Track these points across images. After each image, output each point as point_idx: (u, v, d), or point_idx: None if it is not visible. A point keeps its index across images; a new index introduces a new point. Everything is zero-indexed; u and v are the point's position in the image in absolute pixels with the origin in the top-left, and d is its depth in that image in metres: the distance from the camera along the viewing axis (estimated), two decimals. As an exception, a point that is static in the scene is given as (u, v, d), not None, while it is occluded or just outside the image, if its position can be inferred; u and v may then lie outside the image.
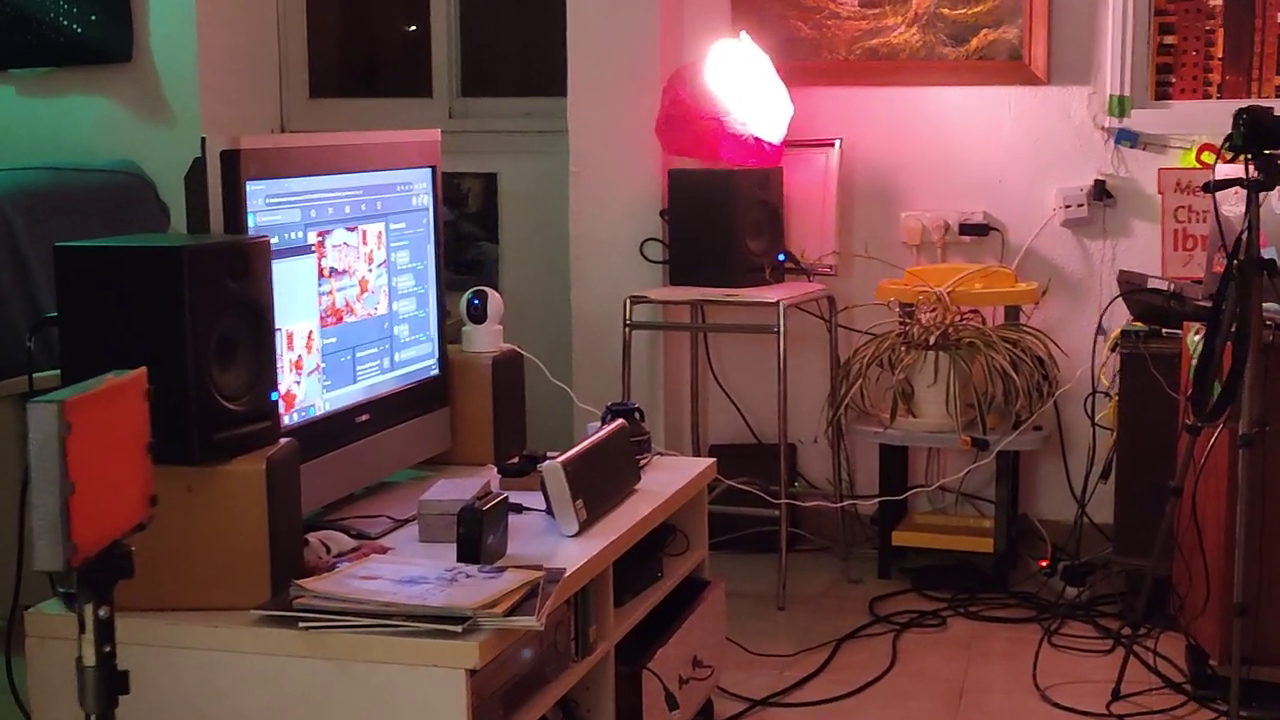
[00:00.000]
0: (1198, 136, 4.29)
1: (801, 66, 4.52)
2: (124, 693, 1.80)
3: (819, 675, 3.64)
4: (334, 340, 2.79)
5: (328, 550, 2.51)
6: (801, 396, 4.53)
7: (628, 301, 4.29)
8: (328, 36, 5.23)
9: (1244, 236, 3.14)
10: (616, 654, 2.77)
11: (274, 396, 2.43)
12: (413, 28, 5.19)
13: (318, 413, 2.73)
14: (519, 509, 2.77)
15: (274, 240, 2.51)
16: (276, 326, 2.48)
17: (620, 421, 3.06)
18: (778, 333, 4.13)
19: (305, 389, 2.69)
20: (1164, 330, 3.84)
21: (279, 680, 2.24)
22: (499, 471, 3.05)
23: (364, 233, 2.89)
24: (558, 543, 2.66)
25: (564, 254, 4.60)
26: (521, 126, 4.95)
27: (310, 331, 2.70)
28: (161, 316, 2.25)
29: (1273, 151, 3.12)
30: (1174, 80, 4.39)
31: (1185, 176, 4.25)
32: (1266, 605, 3.26)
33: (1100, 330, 4.17)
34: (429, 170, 3.13)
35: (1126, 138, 4.37)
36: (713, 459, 3.41)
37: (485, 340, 3.23)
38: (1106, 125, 4.39)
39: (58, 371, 2.29)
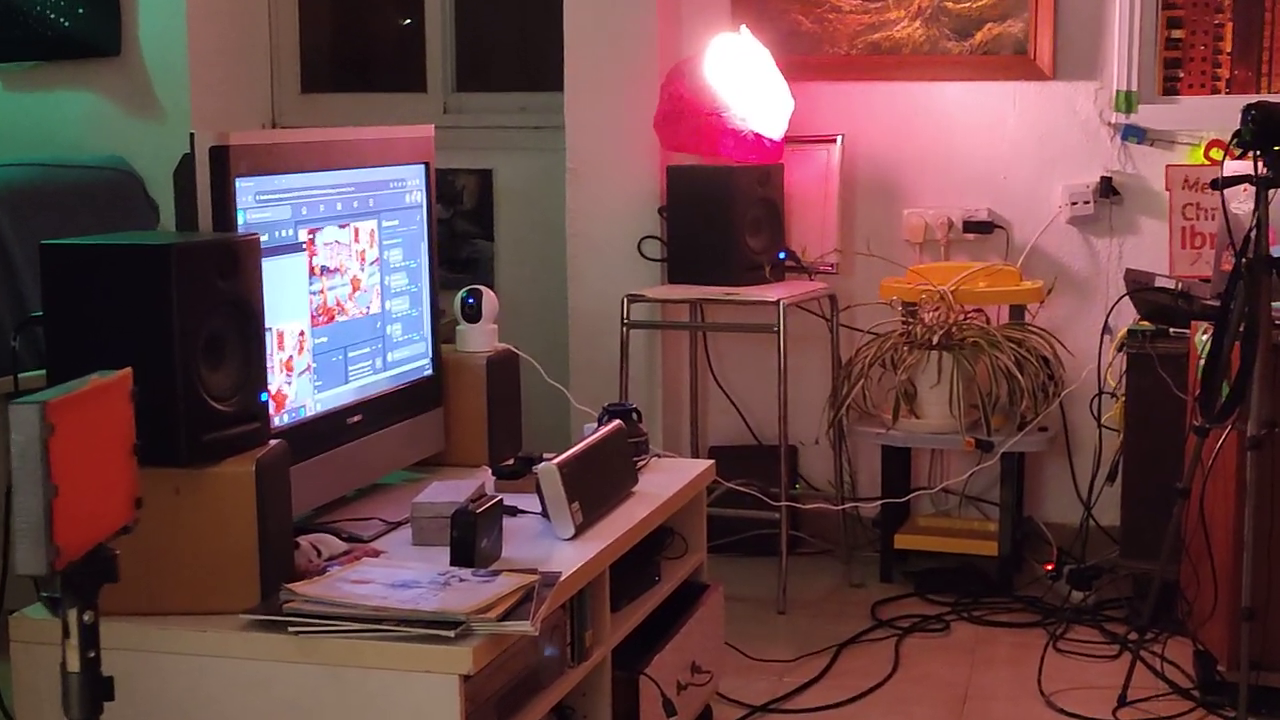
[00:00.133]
0: (1206, 132, 4.29)
1: (803, 61, 4.52)
2: (109, 699, 1.80)
3: (820, 681, 3.63)
4: (325, 340, 2.79)
5: (319, 553, 2.51)
6: (802, 397, 4.53)
7: (625, 300, 4.29)
8: (320, 30, 5.22)
9: (1253, 234, 3.14)
10: (613, 659, 2.76)
11: (264, 397, 2.43)
12: (407, 21, 5.19)
13: (309, 413, 2.73)
14: (514, 512, 2.77)
15: (264, 238, 2.51)
16: (266, 326, 2.48)
17: (617, 422, 3.05)
18: (778, 332, 4.12)
19: (296, 389, 2.69)
20: (1171, 330, 3.84)
21: (269, 686, 2.24)
22: (494, 473, 3.05)
23: (356, 230, 2.88)
24: (553, 546, 2.66)
25: (560, 252, 4.60)
26: (517, 122, 4.94)
27: (301, 331, 2.70)
28: (149, 316, 2.24)
29: (1282, 147, 3.12)
30: (1182, 75, 4.39)
31: (1193, 173, 4.24)
32: (1275, 610, 3.26)
33: (1106, 330, 4.17)
34: (422, 166, 3.12)
35: (1133, 134, 4.37)
36: (712, 460, 3.41)
37: (480, 340, 3.23)
38: (1113, 121, 4.39)
39: (44, 371, 2.28)
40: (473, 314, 3.23)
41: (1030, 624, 3.99)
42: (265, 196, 2.59)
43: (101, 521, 1.77)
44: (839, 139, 4.54)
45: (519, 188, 4.91)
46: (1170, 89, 4.40)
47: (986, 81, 4.47)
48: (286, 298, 2.65)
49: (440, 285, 3.22)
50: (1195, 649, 3.52)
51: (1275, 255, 3.15)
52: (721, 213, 4.31)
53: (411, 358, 3.11)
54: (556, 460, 2.72)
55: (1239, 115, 3.15)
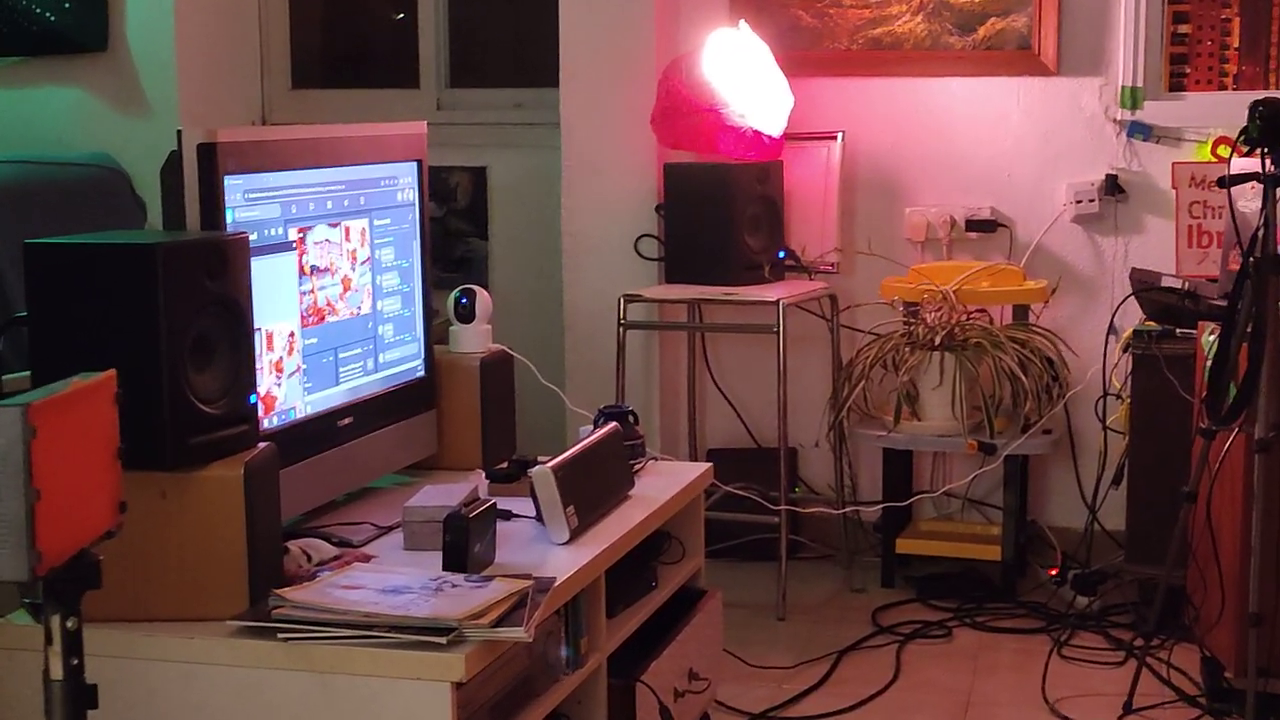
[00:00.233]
0: (1213, 129, 4.29)
1: (802, 56, 4.52)
2: (92, 707, 1.80)
3: (820, 688, 3.63)
4: (315, 341, 2.78)
5: (308, 559, 2.51)
6: (802, 399, 4.52)
7: (622, 300, 4.29)
8: (311, 25, 5.22)
9: (1260, 233, 3.14)
10: (609, 666, 2.76)
11: (252, 399, 2.42)
12: (400, 16, 5.19)
13: (298, 416, 2.73)
14: (507, 516, 2.76)
15: (253, 237, 2.51)
16: (255, 327, 2.47)
17: (614, 425, 3.05)
18: (778, 333, 4.12)
19: (285, 391, 2.68)
20: (1178, 330, 3.84)
21: (257, 693, 2.24)
22: (487, 477, 3.05)
23: (347, 229, 2.88)
24: (548, 551, 2.65)
25: (556, 251, 4.60)
26: (512, 118, 4.94)
27: (291, 332, 2.70)
28: (136, 316, 2.24)
29: (1290, 145, 3.12)
30: (1189, 71, 4.39)
31: (1200, 170, 4.24)
32: (1284, 615, 3.26)
33: (1112, 330, 4.17)
34: (415, 164, 3.12)
35: (1139, 130, 4.37)
36: (710, 464, 3.40)
37: (473, 340, 3.23)
38: (1119, 117, 4.39)
39: (29, 373, 2.28)
40: (466, 314, 3.22)
41: (1034, 630, 3.99)
42: (254, 194, 2.58)
43: (85, 526, 1.76)
44: (839, 136, 4.54)
45: (513, 185, 4.91)
46: (1177, 85, 4.40)
47: (989, 77, 4.47)
48: (276, 298, 2.64)
49: (433, 285, 3.21)
50: (1202, 655, 3.51)
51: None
52: (720, 211, 4.31)
53: (403, 359, 3.10)
54: (551, 463, 2.72)
55: (1246, 111, 3.14)
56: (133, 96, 4.63)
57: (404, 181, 3.09)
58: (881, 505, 4.36)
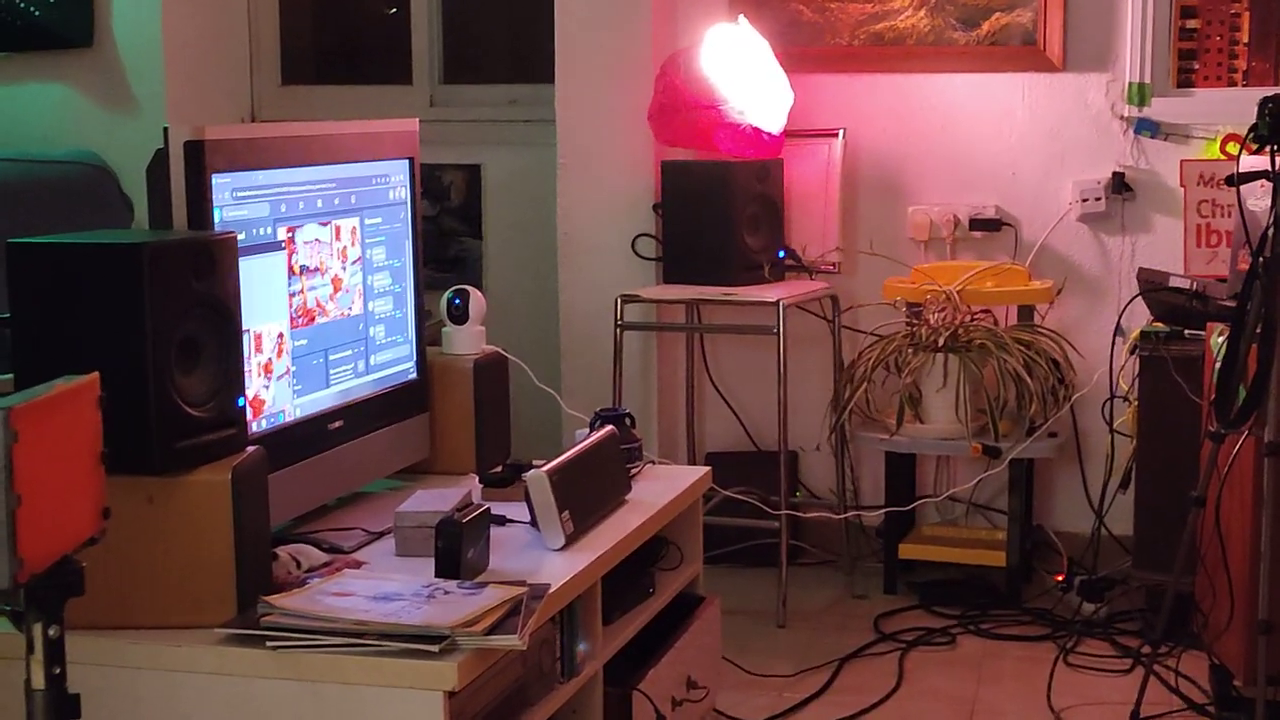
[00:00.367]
0: (1222, 126, 4.29)
1: (803, 52, 4.52)
2: (75, 717, 1.80)
3: (821, 696, 3.63)
4: (305, 342, 2.78)
5: (298, 565, 2.51)
6: (803, 401, 4.52)
7: (619, 300, 4.28)
8: (301, 19, 5.22)
9: (1270, 232, 3.13)
10: (605, 675, 2.76)
11: (241, 402, 2.42)
12: (392, 10, 5.19)
13: (288, 419, 2.73)
14: (501, 521, 2.76)
15: (241, 236, 2.51)
16: (244, 328, 2.47)
17: (610, 428, 3.05)
18: (778, 334, 4.12)
19: (274, 394, 2.68)
20: (1186, 331, 3.84)
21: (246, 703, 2.23)
22: (481, 481, 3.04)
23: (337, 228, 2.88)
24: (542, 557, 2.65)
25: (551, 250, 4.60)
26: (506, 115, 4.94)
27: (280, 333, 2.70)
28: (121, 318, 2.24)
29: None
30: (1197, 67, 4.39)
31: (1209, 169, 4.24)
32: (1294, 622, 3.26)
33: (1119, 331, 4.17)
34: (407, 162, 3.12)
35: (1147, 127, 4.37)
36: (708, 467, 3.40)
37: (467, 342, 3.23)
38: (1125, 114, 4.39)
39: (11, 376, 2.28)
40: (459, 315, 3.22)
41: (1040, 637, 3.99)
42: (243, 193, 2.59)
43: (67, 533, 1.76)
44: (841, 133, 4.54)
45: (508, 183, 4.90)
46: (1185, 81, 4.40)
47: (994, 73, 4.47)
48: (265, 298, 2.64)
49: (426, 285, 3.21)
50: (1211, 663, 3.51)
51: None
52: (719, 210, 4.30)
53: (395, 361, 3.10)
54: (546, 467, 2.72)
55: (1256, 108, 3.14)
56: (119, 93, 4.62)
57: (396, 179, 3.09)
58: (884, 510, 4.36)
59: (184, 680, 2.25)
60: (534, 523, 2.72)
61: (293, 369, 2.74)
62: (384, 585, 2.37)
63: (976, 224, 4.50)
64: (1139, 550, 3.98)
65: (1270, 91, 3.20)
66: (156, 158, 2.47)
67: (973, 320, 4.24)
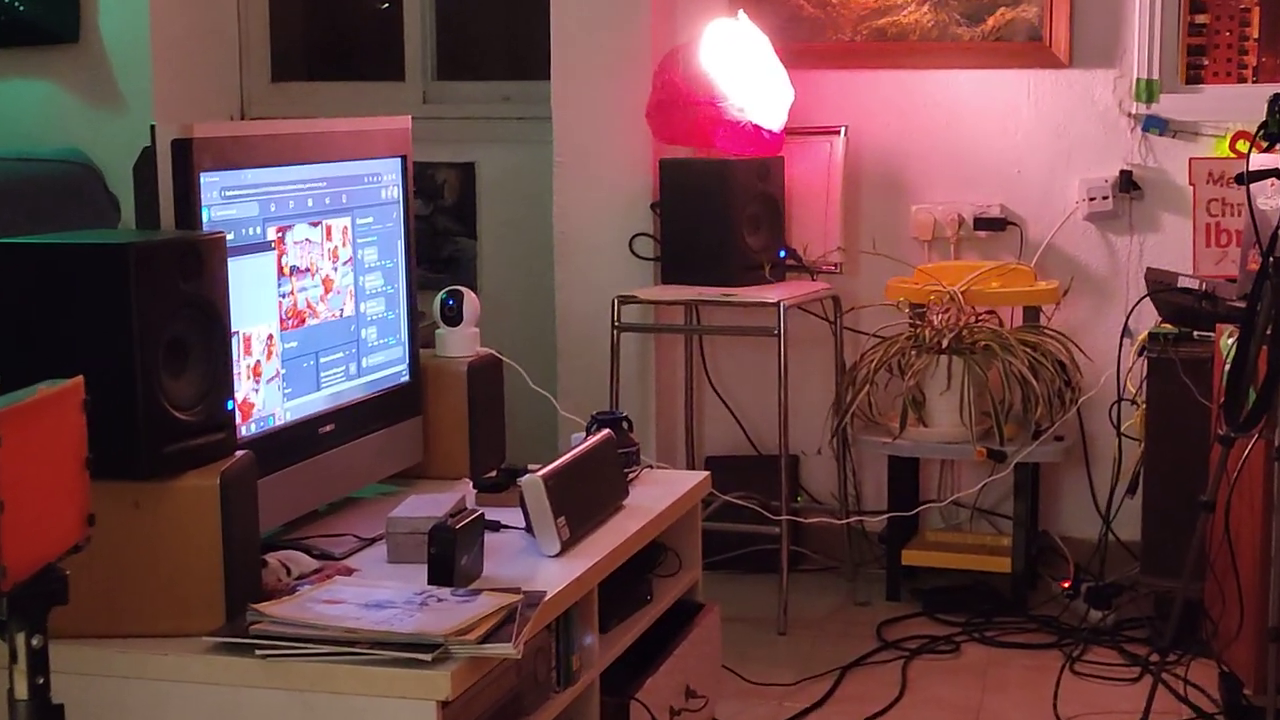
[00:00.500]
0: (1231, 124, 4.29)
1: (804, 48, 4.52)
2: (60, 727, 1.80)
3: (822, 706, 3.63)
4: (295, 344, 2.78)
5: (288, 572, 2.51)
6: (804, 404, 4.52)
7: (616, 301, 4.28)
8: (292, 15, 5.22)
9: (1280, 231, 3.14)
10: (602, 684, 2.76)
11: (230, 405, 2.42)
12: (384, 5, 5.18)
13: (277, 423, 2.73)
14: (496, 527, 2.76)
15: (230, 236, 2.50)
16: (233, 330, 2.47)
17: (607, 432, 3.05)
18: (778, 335, 4.12)
19: (264, 397, 2.68)
20: (1195, 333, 3.84)
21: (234, 713, 2.23)
22: (475, 486, 3.04)
23: (328, 228, 2.88)
24: (538, 563, 2.65)
25: (547, 250, 4.60)
26: (501, 112, 4.94)
27: (269, 335, 2.70)
28: (107, 320, 2.24)
29: (1312, 140, 3.12)
30: (1206, 63, 4.39)
31: (1218, 167, 4.24)
32: (1305, 630, 3.25)
33: (1126, 333, 4.17)
34: (399, 160, 3.12)
35: (1155, 125, 4.37)
36: (708, 472, 3.40)
37: (461, 344, 3.23)
38: (1133, 111, 4.39)
39: (-5, 379, 2.28)
40: (453, 316, 3.22)
41: (1046, 645, 3.99)
42: (232, 192, 2.58)
43: (51, 540, 1.76)
44: (842, 131, 4.54)
45: (503, 182, 4.90)
46: (1194, 77, 4.40)
47: (999, 69, 4.47)
48: (254, 300, 2.64)
49: (419, 286, 3.21)
50: (1220, 671, 3.51)
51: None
52: (718, 209, 4.30)
53: (387, 363, 3.10)
54: (542, 472, 2.72)
55: (1266, 105, 3.14)
56: (106, 90, 4.62)
57: (388, 178, 3.09)
58: (886, 515, 4.36)
59: (171, 690, 2.25)
60: (529, 528, 2.71)
61: (283, 372, 2.74)
62: (376, 593, 2.37)
63: (981, 223, 4.50)
64: (1147, 556, 3.98)
65: (1281, 88, 3.20)
66: (143, 156, 2.48)
67: (977, 321, 4.24)
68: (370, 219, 3.03)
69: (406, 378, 3.15)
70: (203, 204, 2.50)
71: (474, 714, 2.32)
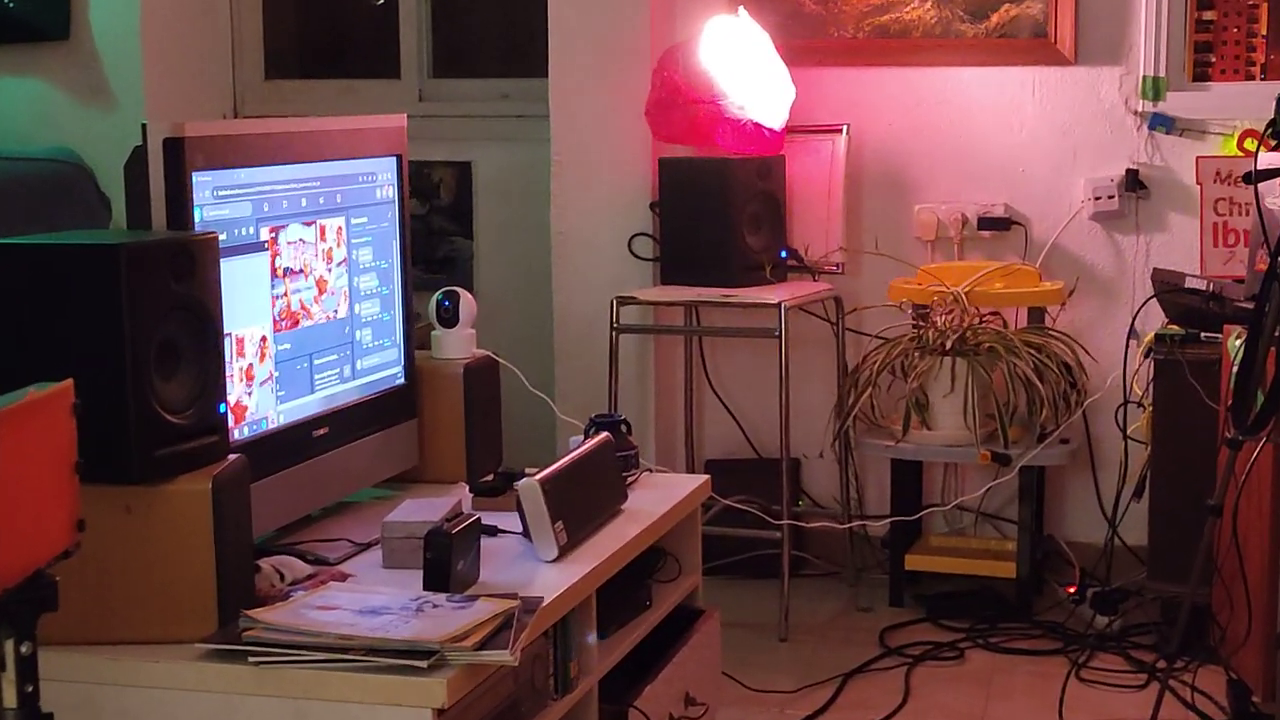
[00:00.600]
0: (1239, 122, 4.30)
1: (805, 45, 4.52)
2: (49, 736, 1.79)
3: (824, 713, 3.63)
4: (289, 346, 2.78)
5: (281, 578, 2.51)
6: (805, 407, 4.52)
7: (615, 302, 4.28)
8: (285, 11, 5.22)
9: (1289, 231, 3.14)
10: (600, 691, 2.76)
11: (222, 408, 2.42)
12: (380, 1, 5.18)
13: (271, 426, 2.72)
14: (493, 532, 2.76)
15: (222, 237, 2.50)
16: (225, 332, 2.47)
17: (605, 435, 3.05)
18: (780, 337, 4.12)
19: (257, 400, 2.68)
20: (1203, 334, 3.84)
21: (227, 721, 2.23)
22: (471, 490, 3.04)
23: (322, 228, 2.88)
24: (535, 569, 2.65)
25: (545, 250, 4.60)
26: (498, 110, 4.94)
27: (262, 337, 2.69)
28: (97, 322, 2.23)
29: (1321, 138, 3.12)
30: (1214, 60, 4.39)
31: (1226, 165, 4.25)
32: (1315, 636, 3.26)
33: (1133, 334, 4.17)
34: (395, 159, 3.12)
35: (1161, 123, 4.37)
36: (708, 476, 3.40)
37: (457, 346, 3.23)
38: (1140, 109, 4.39)
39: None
40: (449, 318, 3.22)
41: (1051, 651, 3.99)
42: (224, 192, 2.58)
43: (40, 546, 1.76)
44: (845, 129, 4.54)
45: (500, 181, 4.90)
46: (1201, 75, 4.40)
47: (1003, 67, 4.47)
48: (247, 301, 2.64)
49: (414, 287, 3.21)
50: (1228, 678, 3.51)
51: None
52: (718, 208, 4.30)
53: (382, 365, 3.10)
54: (539, 476, 2.71)
55: (1274, 103, 3.14)
56: (96, 88, 4.62)
57: (383, 177, 3.09)
58: (889, 519, 4.36)
59: (163, 697, 2.25)
60: (526, 533, 2.71)
61: (276, 374, 2.74)
62: (370, 598, 2.37)
63: (985, 223, 4.50)
64: (1154, 561, 3.98)
65: (1289, 86, 3.21)
66: (135, 155, 2.47)
67: (981, 323, 4.24)
68: (365, 219, 3.02)
69: (402, 380, 3.15)
70: (195, 204, 2.49)
71: (470, 722, 2.32)
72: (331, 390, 2.92)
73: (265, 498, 2.57)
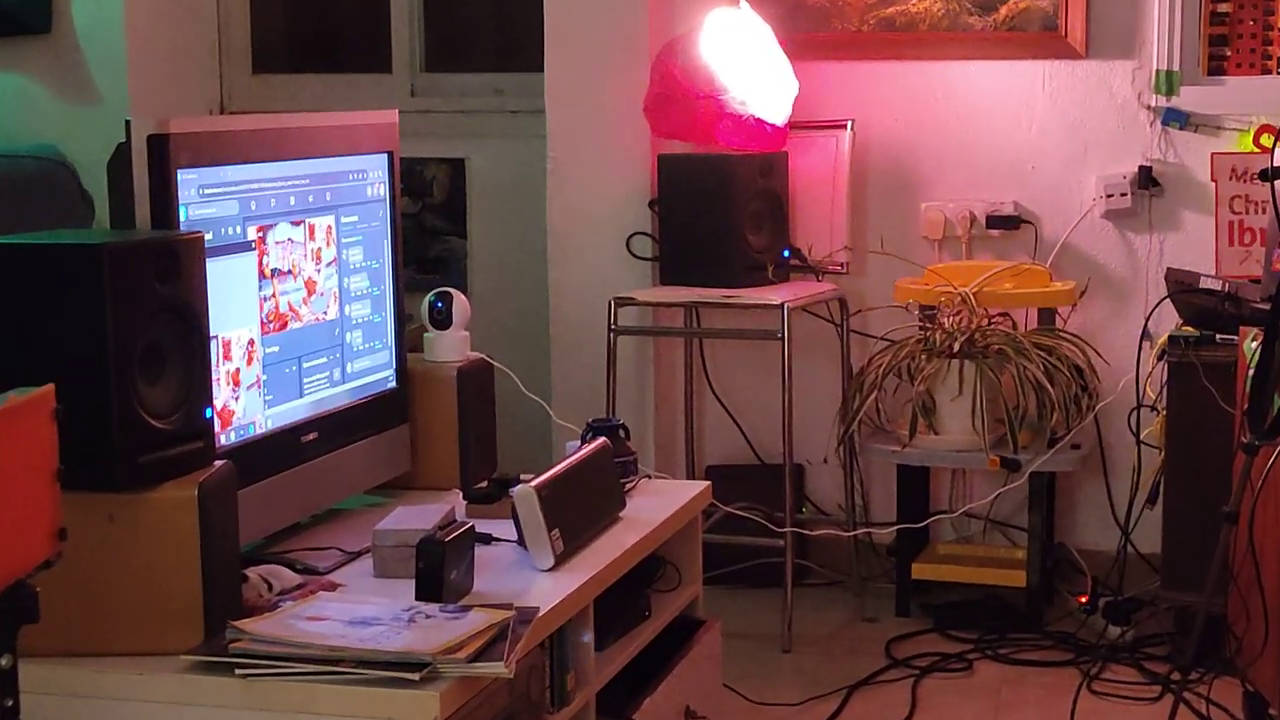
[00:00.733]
0: (1256, 117, 4.30)
1: (809, 38, 4.52)
2: (30, 751, 1.79)
3: (829, 726, 3.64)
4: (277, 349, 2.78)
5: (269, 587, 2.51)
6: (809, 411, 4.52)
7: (612, 303, 4.28)
8: (274, 4, 5.22)
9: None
10: (598, 704, 2.76)
11: (208, 413, 2.42)
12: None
13: (258, 431, 2.73)
14: (487, 540, 2.76)
15: (208, 236, 2.51)
16: (211, 334, 2.47)
17: (603, 440, 3.05)
18: (782, 339, 4.12)
19: (244, 404, 2.68)
20: (1218, 335, 3.84)
21: (213, 735, 2.23)
22: (465, 497, 3.04)
23: (311, 227, 2.88)
24: (531, 578, 2.65)
25: (540, 250, 4.60)
26: (493, 106, 4.94)
27: (250, 339, 2.70)
28: (79, 324, 2.23)
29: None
30: (1229, 53, 4.39)
31: (1242, 162, 4.25)
32: (1333, 647, 3.26)
33: (1146, 336, 4.17)
34: (386, 156, 3.12)
35: (1175, 118, 4.37)
36: (708, 482, 3.40)
37: (450, 348, 3.23)
38: (1153, 104, 4.39)
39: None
40: (442, 319, 3.22)
41: (1062, 663, 3.99)
42: (210, 190, 2.58)
43: (19, 556, 1.76)
44: (849, 125, 4.54)
45: (494, 179, 4.90)
46: (1216, 68, 4.40)
47: (1012, 61, 4.47)
48: (233, 302, 2.64)
49: (406, 287, 3.21)
50: (1244, 690, 3.51)
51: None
52: (719, 207, 4.30)
53: (373, 368, 3.10)
54: (535, 482, 2.71)
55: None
56: (79, 83, 4.62)
57: (374, 175, 3.09)
58: (895, 527, 4.36)
59: (147, 711, 2.25)
60: (521, 541, 2.71)
61: (263, 378, 2.74)
62: (361, 609, 2.37)
63: (994, 221, 4.50)
64: (1168, 570, 3.98)
65: (1306, 80, 3.21)
66: (118, 152, 2.47)
67: (990, 324, 4.24)
68: (355, 218, 3.03)
69: (393, 384, 3.15)
70: (180, 202, 2.50)
71: (464, 736, 2.32)
72: (321, 394, 2.92)
73: (253, 505, 2.57)
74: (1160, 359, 4.00)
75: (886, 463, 4.40)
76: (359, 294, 3.05)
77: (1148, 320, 4.19)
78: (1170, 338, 3.93)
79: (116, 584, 2.28)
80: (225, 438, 2.61)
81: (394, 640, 2.23)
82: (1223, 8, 4.38)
